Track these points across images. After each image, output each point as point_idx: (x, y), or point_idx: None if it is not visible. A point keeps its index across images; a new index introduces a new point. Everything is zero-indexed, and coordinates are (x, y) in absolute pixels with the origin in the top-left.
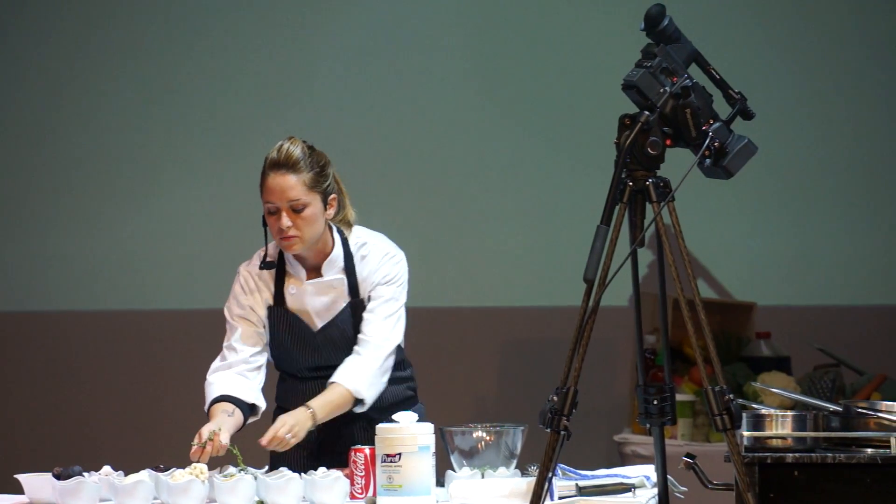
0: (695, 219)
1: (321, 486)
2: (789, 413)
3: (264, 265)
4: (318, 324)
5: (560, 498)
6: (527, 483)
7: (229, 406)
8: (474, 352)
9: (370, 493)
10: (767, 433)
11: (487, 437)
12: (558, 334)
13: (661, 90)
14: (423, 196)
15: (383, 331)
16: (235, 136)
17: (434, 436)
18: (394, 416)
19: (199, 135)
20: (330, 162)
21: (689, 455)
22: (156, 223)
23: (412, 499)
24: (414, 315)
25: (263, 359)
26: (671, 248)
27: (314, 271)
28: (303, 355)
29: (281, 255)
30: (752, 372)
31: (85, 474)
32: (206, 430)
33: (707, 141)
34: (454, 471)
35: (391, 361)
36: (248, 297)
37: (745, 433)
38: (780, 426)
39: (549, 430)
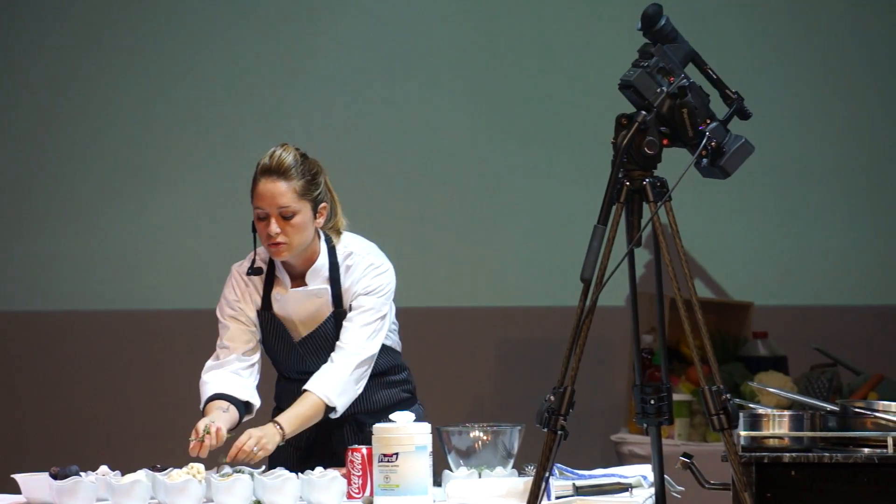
0: (692, 218)
1: (318, 485)
2: (786, 413)
3: (252, 271)
4: (303, 332)
5: (557, 498)
6: (524, 483)
7: (224, 403)
8: (471, 351)
9: (367, 493)
10: (764, 433)
11: (484, 437)
12: (555, 334)
13: (658, 90)
14: (420, 196)
15: (359, 339)
16: (236, 136)
17: (431, 435)
18: (391, 416)
19: (200, 135)
20: (323, 170)
21: (686, 455)
22: (154, 223)
23: (409, 498)
24: (411, 315)
25: (257, 356)
26: (668, 247)
27: (300, 279)
28: (287, 360)
29: (271, 260)
30: (749, 371)
31: (82, 474)
32: (201, 425)
33: (704, 141)
34: (451, 470)
35: (366, 370)
36: (239, 298)
37: (742, 433)
38: (777, 426)
39: (546, 430)
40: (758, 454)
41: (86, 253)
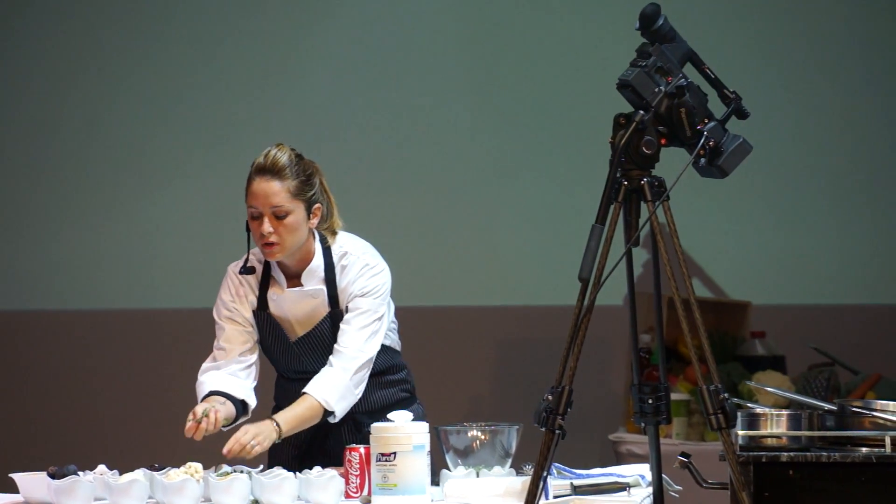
0: (690, 218)
1: (316, 485)
2: (784, 412)
3: (244, 270)
4: (299, 331)
5: (555, 497)
6: (522, 482)
7: (221, 398)
8: (469, 351)
9: (365, 493)
10: (762, 432)
11: (482, 436)
12: (553, 333)
13: (656, 89)
14: (418, 195)
15: (357, 342)
16: (237, 136)
17: (429, 435)
18: (389, 416)
19: (202, 135)
20: (318, 171)
21: (683, 454)
22: (153, 223)
23: (407, 498)
24: (409, 314)
25: (254, 357)
26: (666, 247)
27: (295, 279)
28: (284, 360)
29: (267, 260)
30: (747, 371)
31: (80, 473)
32: (200, 409)
33: (702, 140)
34: (449, 470)
35: (365, 373)
36: (234, 298)
37: (740, 432)
38: (775, 425)
39: (543, 429)
40: (756, 453)
41: (78, 253)
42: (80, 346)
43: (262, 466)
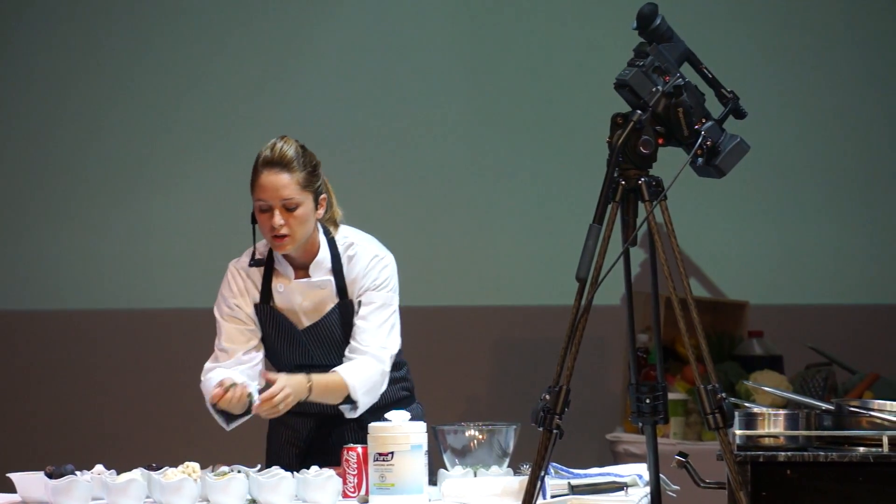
0: (687, 218)
1: (313, 484)
2: (781, 412)
3: (254, 262)
4: (306, 322)
5: (552, 496)
6: (519, 482)
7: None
8: (467, 351)
9: (362, 492)
10: (760, 432)
11: (480, 436)
12: (551, 333)
13: (654, 89)
14: (415, 195)
15: (379, 339)
16: (238, 134)
17: (426, 434)
18: (386, 415)
19: (202, 134)
20: (320, 162)
21: (681, 454)
22: (152, 222)
23: (404, 497)
24: (406, 314)
25: (260, 356)
26: (663, 246)
27: (302, 270)
28: (289, 353)
29: (270, 252)
30: (745, 371)
31: (77, 473)
32: (228, 380)
33: (699, 140)
34: (447, 469)
35: (388, 372)
36: (236, 294)
37: (738, 432)
38: (773, 425)
39: (541, 429)
40: (753, 453)
41: (82, 252)
42: (78, 346)
43: (259, 466)
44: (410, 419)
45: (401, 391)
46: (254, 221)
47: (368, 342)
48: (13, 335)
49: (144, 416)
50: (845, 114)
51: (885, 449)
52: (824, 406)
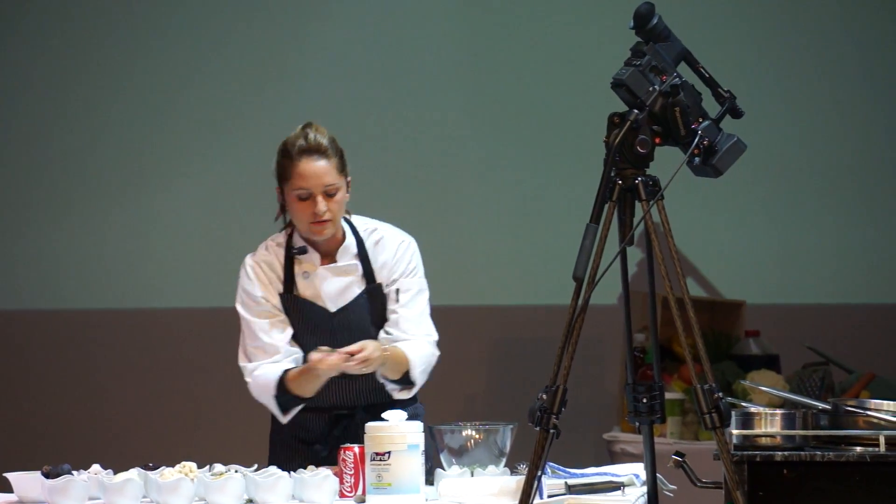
0: (684, 217)
1: (310, 484)
2: (778, 411)
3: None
4: (332, 308)
5: (549, 496)
6: (516, 481)
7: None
8: (464, 350)
9: (359, 492)
10: (756, 431)
11: (477, 436)
12: (548, 333)
13: (651, 88)
14: (412, 194)
15: (424, 326)
16: (238, 134)
17: (423, 434)
18: (383, 415)
19: (202, 134)
20: None
21: (678, 453)
22: (152, 222)
23: (401, 497)
24: None
25: (298, 352)
26: (660, 246)
27: (327, 257)
28: (315, 341)
29: (290, 241)
30: (742, 370)
31: (74, 473)
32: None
33: (696, 139)
34: (444, 469)
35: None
36: (261, 287)
37: (735, 431)
38: (769, 424)
39: (538, 429)
40: (750, 453)
41: (80, 252)
42: (75, 346)
43: (256, 466)
44: (415, 419)
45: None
46: (283, 211)
47: (414, 330)
48: (10, 334)
49: (141, 415)
50: (842, 113)
51: (882, 448)
52: (821, 406)
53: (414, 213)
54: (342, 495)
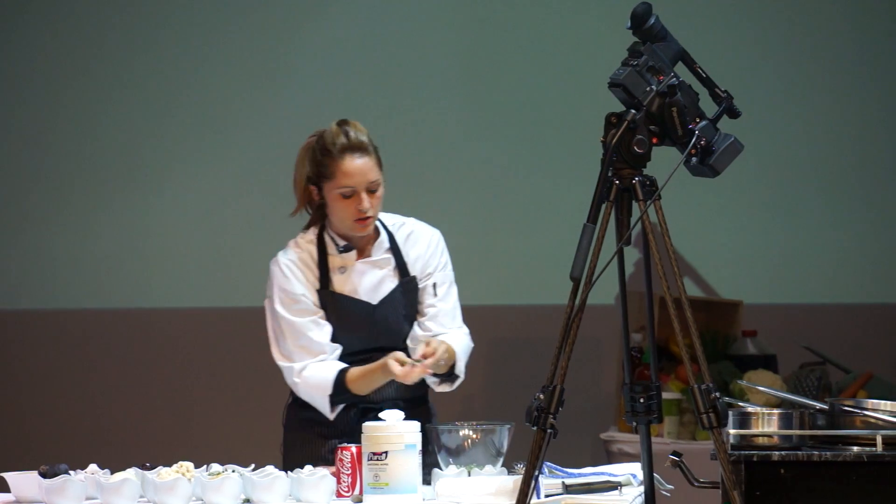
0: (681, 217)
1: (307, 483)
2: (775, 411)
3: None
4: (374, 301)
5: (546, 496)
6: (513, 481)
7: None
8: None
9: (356, 492)
10: (754, 431)
11: (474, 436)
12: (545, 332)
13: (648, 88)
14: (410, 195)
15: (458, 318)
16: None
17: (421, 434)
18: (380, 415)
19: (201, 134)
20: None
21: (675, 453)
22: (151, 222)
23: (398, 497)
24: None
25: (339, 348)
26: (657, 246)
27: (361, 251)
28: (353, 338)
29: (321, 238)
30: (739, 370)
31: (71, 472)
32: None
33: (693, 139)
34: (441, 469)
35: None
36: (299, 283)
37: (732, 431)
38: (767, 424)
39: (535, 428)
40: (747, 452)
41: (79, 252)
42: (72, 345)
43: (253, 466)
44: (427, 419)
45: (420, 388)
46: (317, 209)
47: (450, 324)
48: (6, 334)
49: (138, 415)
50: (840, 112)
51: (879, 448)
52: (818, 405)
53: (412, 213)
54: (339, 495)
